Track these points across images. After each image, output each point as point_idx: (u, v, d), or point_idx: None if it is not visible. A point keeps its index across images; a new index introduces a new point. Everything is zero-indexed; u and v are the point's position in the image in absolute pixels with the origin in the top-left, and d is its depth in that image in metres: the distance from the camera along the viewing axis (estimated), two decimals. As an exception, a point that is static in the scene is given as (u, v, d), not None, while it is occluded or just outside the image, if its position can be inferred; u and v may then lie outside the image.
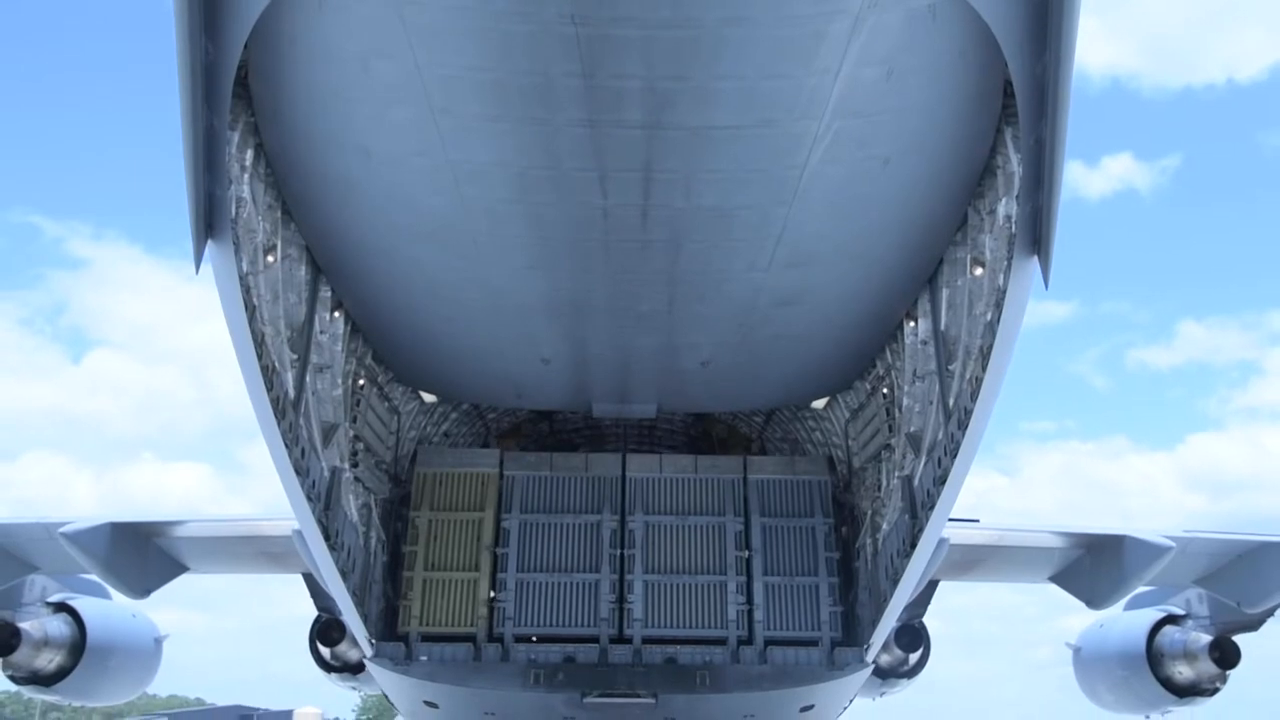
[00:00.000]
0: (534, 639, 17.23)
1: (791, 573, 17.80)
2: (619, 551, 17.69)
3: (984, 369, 11.19)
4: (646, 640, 17.18)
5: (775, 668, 16.99)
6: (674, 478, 18.42)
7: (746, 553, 17.80)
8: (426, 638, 17.18)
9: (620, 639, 17.24)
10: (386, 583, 17.71)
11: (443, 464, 18.49)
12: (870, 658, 17.34)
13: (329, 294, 13.10)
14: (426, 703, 17.86)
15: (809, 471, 18.76)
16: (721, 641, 17.25)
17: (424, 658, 17.01)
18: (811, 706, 17.85)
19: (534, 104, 8.23)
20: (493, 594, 17.46)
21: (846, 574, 18.03)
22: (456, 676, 16.90)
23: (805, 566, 17.83)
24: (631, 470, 18.39)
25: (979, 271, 11.43)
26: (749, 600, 17.45)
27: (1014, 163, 9.69)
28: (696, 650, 17.13)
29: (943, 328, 12.67)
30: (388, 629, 17.25)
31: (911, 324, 13.69)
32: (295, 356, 12.53)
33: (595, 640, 17.17)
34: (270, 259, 11.31)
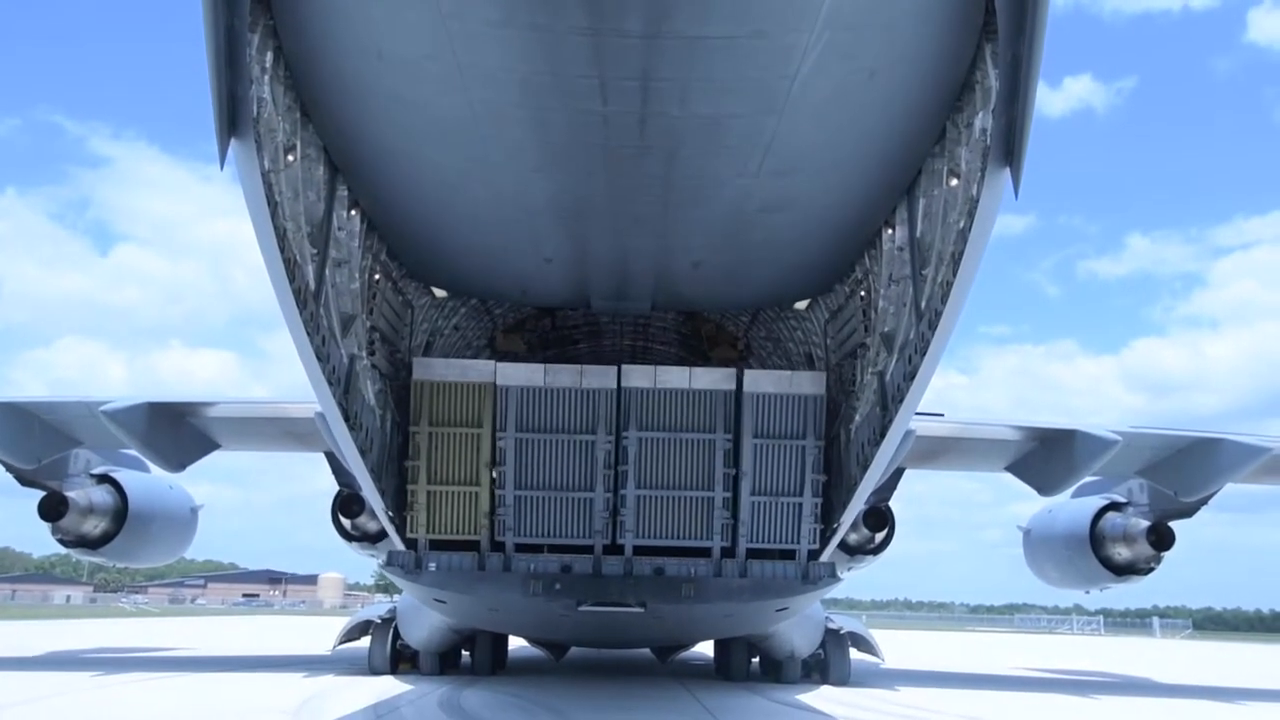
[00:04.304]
0: (533, 549, 17.70)
1: (778, 493, 17.64)
2: (613, 470, 17.67)
3: (954, 274, 11.21)
4: (637, 550, 17.59)
5: (754, 581, 17.39)
6: (667, 389, 17.70)
7: (734, 471, 17.64)
8: (435, 545, 17.55)
9: (613, 548, 17.66)
10: (402, 460, 17.99)
11: (439, 374, 17.90)
12: (839, 539, 17.81)
13: (346, 193, 12.95)
14: (436, 599, 18.67)
15: (805, 387, 17.62)
16: (706, 553, 17.66)
17: (433, 566, 17.32)
18: (786, 609, 18.67)
19: (538, 10, 8.01)
20: (493, 506, 17.74)
21: (825, 460, 18.24)
22: (462, 585, 17.38)
23: (792, 487, 17.64)
24: (626, 381, 17.75)
25: (954, 182, 11.32)
26: (734, 516, 17.62)
27: (991, 78, 9.52)
28: (683, 562, 17.57)
29: (918, 235, 12.62)
30: (398, 532, 17.64)
31: (889, 231, 13.61)
32: (315, 251, 12.46)
33: (590, 550, 17.58)
34: (290, 159, 11.15)
